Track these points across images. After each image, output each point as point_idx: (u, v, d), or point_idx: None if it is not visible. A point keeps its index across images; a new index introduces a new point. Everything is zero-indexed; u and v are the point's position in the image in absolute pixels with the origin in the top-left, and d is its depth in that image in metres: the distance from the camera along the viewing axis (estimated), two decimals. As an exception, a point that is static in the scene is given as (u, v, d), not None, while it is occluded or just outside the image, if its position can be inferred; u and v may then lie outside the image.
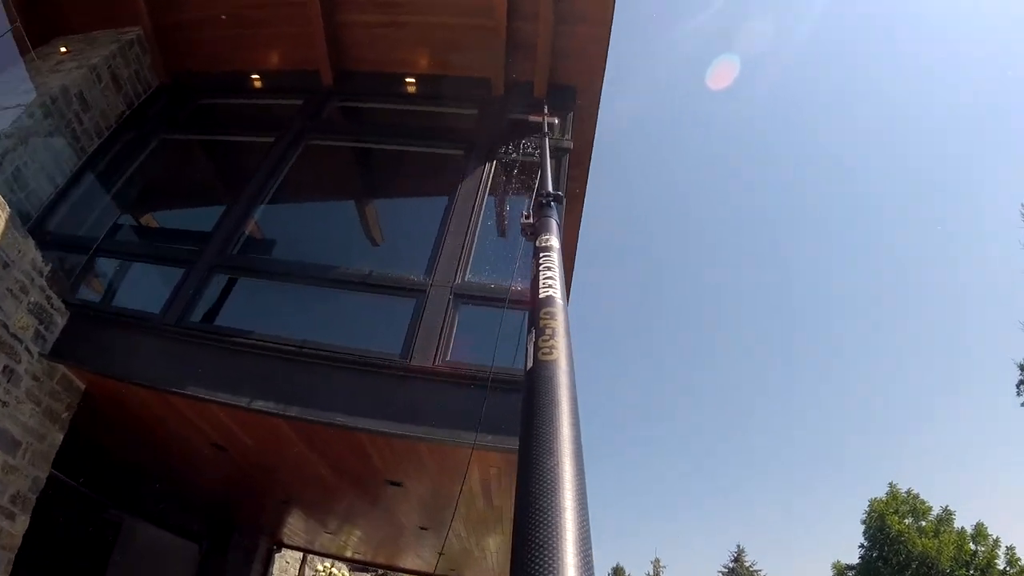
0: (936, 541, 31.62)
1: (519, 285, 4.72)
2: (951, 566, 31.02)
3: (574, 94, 5.95)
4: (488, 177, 5.28)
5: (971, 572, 30.92)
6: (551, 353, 1.07)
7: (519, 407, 1.01)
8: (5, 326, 4.64)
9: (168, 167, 6.53)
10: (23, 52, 6.77)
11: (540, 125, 3.73)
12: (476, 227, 4.91)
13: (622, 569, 46.32)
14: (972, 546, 31.71)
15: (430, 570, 10.14)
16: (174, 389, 4.45)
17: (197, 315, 4.84)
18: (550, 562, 0.65)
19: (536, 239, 1.78)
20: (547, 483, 0.75)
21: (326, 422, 4.10)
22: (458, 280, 4.62)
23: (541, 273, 1.47)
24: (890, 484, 35.41)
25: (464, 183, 5.21)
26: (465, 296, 4.57)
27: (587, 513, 0.75)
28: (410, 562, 9.89)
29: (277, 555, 9.70)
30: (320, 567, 12.89)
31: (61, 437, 5.07)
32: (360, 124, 6.55)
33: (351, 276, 4.83)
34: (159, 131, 6.51)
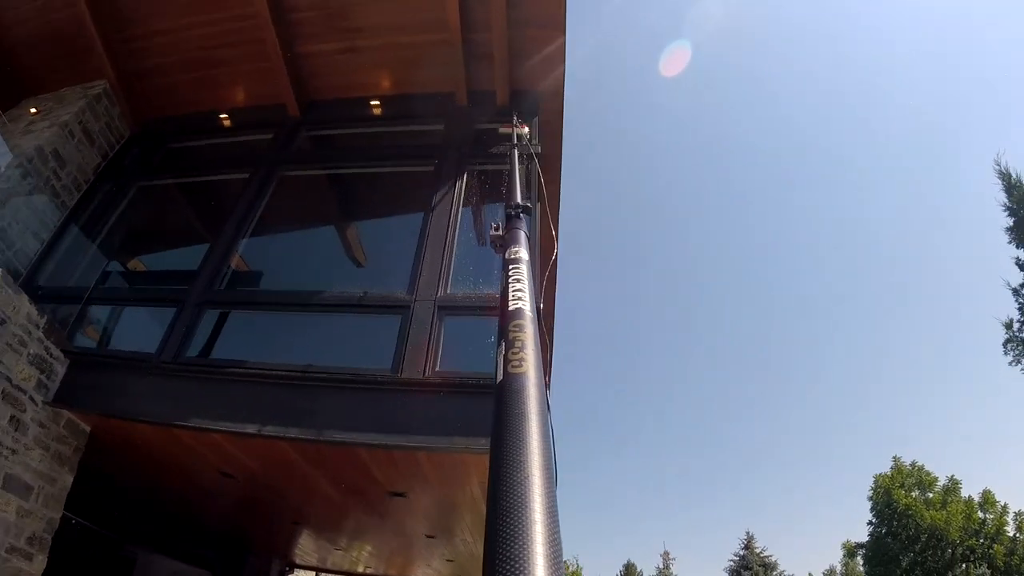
0: (944, 512, 31.19)
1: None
2: (960, 536, 30.56)
3: (536, 97, 6.12)
4: (460, 189, 5.45)
5: (981, 540, 30.39)
6: (520, 365, 1.08)
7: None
8: (8, 379, 4.84)
9: (148, 213, 6.69)
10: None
11: (510, 136, 3.82)
12: (453, 240, 5.08)
13: (634, 566, 46.08)
14: (980, 514, 31.19)
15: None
16: (178, 423, 4.61)
17: (192, 351, 5.00)
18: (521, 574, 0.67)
19: (505, 251, 1.78)
20: (517, 496, 0.76)
21: (325, 440, 4.26)
22: (440, 293, 4.79)
23: (510, 285, 1.47)
24: (894, 458, 35.04)
25: (437, 197, 5.38)
26: (448, 308, 4.74)
27: (558, 525, 0.75)
28: (422, 572, 10.02)
29: None
30: None
31: (71, 479, 5.28)
32: (331, 151, 6.70)
33: (337, 299, 5.00)
34: (136, 179, 6.67)
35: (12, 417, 4.77)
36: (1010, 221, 16.02)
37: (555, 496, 0.80)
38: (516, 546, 0.69)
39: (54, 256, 6.18)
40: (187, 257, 6.55)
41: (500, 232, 2.07)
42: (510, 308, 1.33)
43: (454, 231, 5.15)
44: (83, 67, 6.87)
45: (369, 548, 8.57)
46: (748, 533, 40.02)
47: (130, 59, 6.71)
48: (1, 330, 4.88)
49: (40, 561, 4.91)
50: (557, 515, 0.77)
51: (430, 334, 4.58)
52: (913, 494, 33.10)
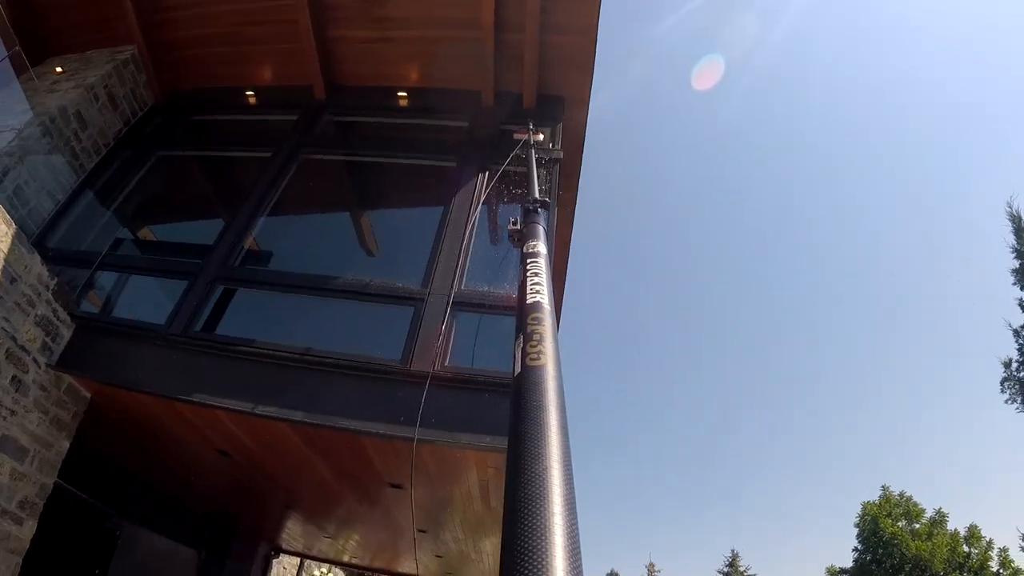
0: (930, 544, 31.41)
1: (514, 292, 4.93)
2: (945, 568, 30.84)
3: (562, 104, 6.15)
4: (481, 187, 5.47)
5: (965, 574, 30.71)
6: (539, 358, 1.09)
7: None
8: (13, 338, 4.80)
9: (166, 183, 6.67)
10: (19, 73, 6.91)
11: (526, 140, 3.87)
12: (471, 237, 5.10)
13: (616, 574, 46.36)
14: (965, 548, 31.44)
15: (428, 574, 10.29)
16: (181, 396, 4.60)
17: (202, 325, 4.99)
18: (539, 568, 0.66)
19: (524, 245, 1.82)
20: (536, 488, 0.76)
21: (331, 426, 4.26)
22: (455, 288, 4.80)
23: (528, 279, 1.51)
24: (883, 487, 35.34)
25: (458, 194, 5.39)
26: (462, 303, 4.75)
27: (576, 518, 0.76)
28: (407, 566, 10.01)
29: (275, 560, 9.79)
30: (317, 572, 12.93)
31: (67, 445, 5.25)
32: (354, 138, 6.70)
33: (351, 286, 4.99)
34: (156, 148, 6.66)
35: (14, 377, 4.73)
36: (1016, 263, 16.56)
37: (573, 488, 0.80)
38: (535, 537, 0.69)
39: (67, 218, 6.17)
40: (201, 230, 6.55)
41: (519, 227, 2.08)
42: (528, 301, 1.34)
43: (472, 228, 5.16)
44: (112, 31, 6.86)
45: (357, 537, 8.56)
46: (733, 551, 40.52)
47: (161, 28, 6.70)
48: (11, 288, 4.85)
49: (30, 526, 4.87)
50: (575, 507, 0.77)
51: (442, 328, 4.59)
52: (900, 524, 33.39)
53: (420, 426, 4.21)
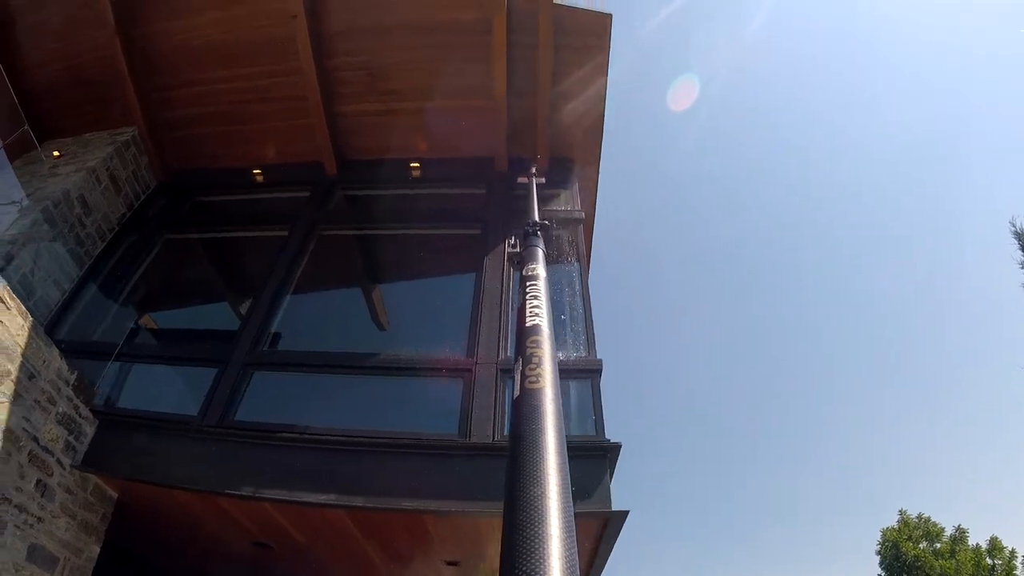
0: (953, 561, 31.58)
1: (571, 354, 4.99)
2: None
3: (573, 165, 6.35)
4: (507, 251, 5.55)
5: None
6: (538, 381, 1.09)
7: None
8: (35, 439, 4.53)
9: (174, 267, 6.52)
10: (12, 157, 6.73)
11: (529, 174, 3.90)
12: (508, 303, 5.14)
13: None
14: (989, 560, 31.76)
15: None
16: (226, 491, 4.40)
17: (238, 414, 4.83)
18: None
19: (523, 268, 1.80)
20: (533, 512, 0.76)
21: (392, 508, 4.14)
22: (501, 356, 4.81)
23: (528, 302, 1.48)
24: (900, 511, 35.26)
25: (487, 260, 5.46)
26: (511, 370, 4.74)
27: (574, 540, 0.75)
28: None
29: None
30: None
31: (98, 549, 4.93)
32: (369, 211, 6.72)
33: (392, 362, 4.94)
34: (162, 231, 6.53)
35: (39, 481, 4.44)
36: None
37: (572, 511, 0.80)
38: (533, 561, 0.68)
39: (75, 308, 5.94)
40: (216, 314, 6.41)
41: (517, 249, 2.10)
42: (527, 324, 1.35)
43: (508, 295, 5.21)
44: (110, 113, 6.78)
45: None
46: None
47: (160, 108, 6.67)
48: (30, 385, 4.59)
49: None
50: (574, 530, 0.76)
51: (495, 397, 4.57)
52: (921, 545, 33.44)
53: (487, 500, 4.17)
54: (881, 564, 34.00)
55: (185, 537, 5.40)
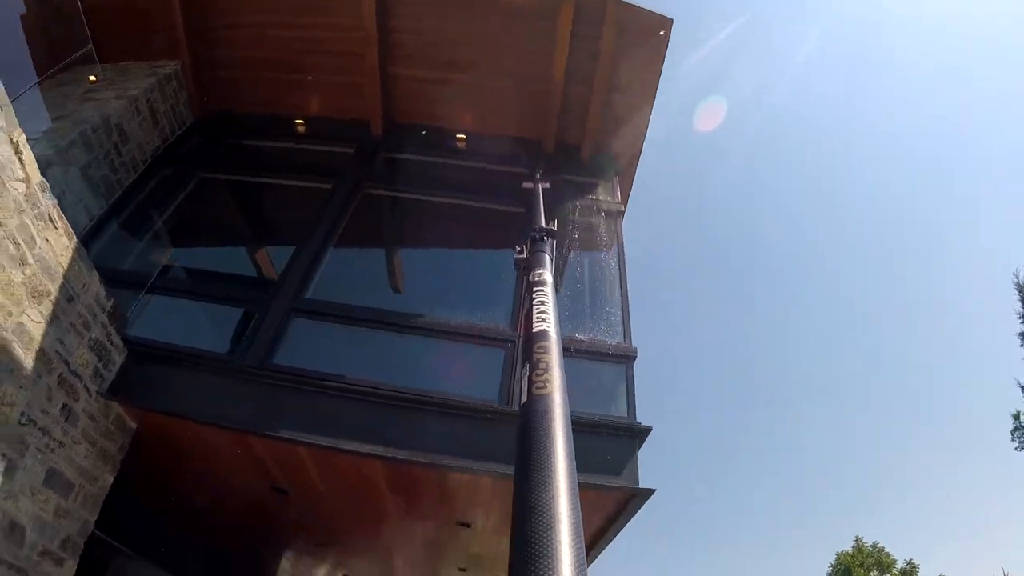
0: None
1: (605, 338, 5.17)
2: None
3: (615, 160, 6.52)
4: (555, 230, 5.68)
5: None
6: (545, 387, 1.08)
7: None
8: (66, 363, 4.45)
9: (207, 206, 6.44)
10: (41, 76, 6.51)
11: (535, 179, 3.85)
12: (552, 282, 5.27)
13: None
14: None
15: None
16: (265, 432, 4.44)
17: (278, 357, 4.85)
18: None
19: (529, 274, 1.81)
20: (543, 519, 0.75)
21: (436, 464, 4.25)
22: (542, 331, 4.95)
23: (534, 307, 1.49)
24: (856, 538, 36.47)
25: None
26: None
27: (583, 547, 0.75)
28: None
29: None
30: None
31: (111, 479, 4.86)
32: (412, 175, 6.73)
33: (436, 324, 5.03)
34: (197, 169, 6.44)
35: (64, 406, 4.36)
36: (1022, 327, 19.43)
37: (580, 518, 0.80)
38: (543, 566, 0.69)
39: (102, 235, 5.83)
40: (243, 257, 6.38)
41: (524, 255, 2.11)
42: (534, 330, 1.35)
43: (552, 274, 5.34)
44: (151, 45, 6.64)
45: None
46: None
47: (209, 46, 6.57)
48: (68, 308, 4.49)
49: (70, 567, 4.48)
50: (583, 537, 0.76)
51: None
52: (872, 574, 34.46)
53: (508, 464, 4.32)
54: None
55: (200, 474, 5.40)
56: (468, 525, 5.24)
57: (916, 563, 33.95)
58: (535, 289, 1.65)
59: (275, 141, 6.83)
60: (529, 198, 3.33)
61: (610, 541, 5.04)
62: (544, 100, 6.32)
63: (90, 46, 6.02)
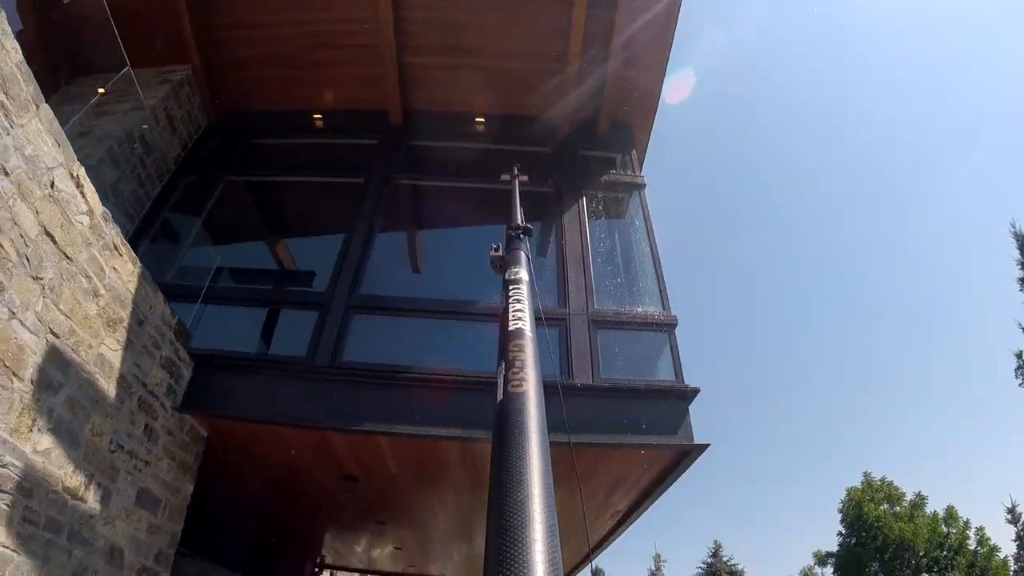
0: (911, 525, 33.23)
1: (645, 309, 5.51)
2: (926, 548, 32.75)
3: (631, 131, 6.73)
4: (584, 211, 5.95)
5: (945, 553, 32.62)
6: (520, 385, 1.08)
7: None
8: (144, 384, 4.61)
9: (237, 209, 6.51)
10: (45, 93, 6.39)
11: (513, 174, 3.74)
12: (589, 259, 5.58)
13: (601, 571, 47.74)
14: (944, 528, 33.32)
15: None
16: (348, 427, 4.72)
17: (345, 355, 5.09)
18: None
19: (505, 272, 1.77)
20: (518, 516, 0.76)
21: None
22: (590, 308, 5.28)
23: (510, 306, 1.46)
24: (865, 473, 37.36)
25: (565, 218, 5.84)
26: (600, 322, 5.25)
27: (557, 543, 0.76)
28: (436, 569, 10.32)
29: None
30: None
31: (192, 488, 5.12)
32: (436, 162, 6.87)
33: (489, 309, 5.29)
34: (222, 173, 6.47)
35: (146, 426, 4.55)
36: (1021, 273, 21.22)
37: (555, 515, 0.81)
38: (517, 564, 0.70)
39: (138, 250, 5.87)
40: (279, 259, 6.50)
41: (500, 253, 2.06)
42: (510, 328, 1.34)
43: (588, 252, 5.64)
44: (157, 50, 6.53)
45: (416, 544, 8.70)
46: (716, 542, 41.48)
47: (219, 48, 6.52)
48: (139, 331, 4.60)
49: None
50: (557, 535, 0.78)
51: (590, 344, 5.07)
52: (882, 507, 35.34)
53: (584, 432, 4.72)
54: (842, 521, 36.54)
55: (264, 470, 5.67)
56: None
57: (925, 495, 35.23)
58: (511, 287, 1.61)
59: (295, 138, 6.87)
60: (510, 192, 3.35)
61: (667, 488, 5.50)
62: (559, 79, 6.46)
63: (128, 67, 5.89)
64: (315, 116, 6.77)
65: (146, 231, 6.01)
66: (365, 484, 5.80)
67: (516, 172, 3.64)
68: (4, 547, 3.14)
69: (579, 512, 6.54)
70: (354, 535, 8.47)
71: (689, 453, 4.89)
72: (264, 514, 6.99)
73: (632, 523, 6.74)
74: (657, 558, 44.09)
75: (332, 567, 10.10)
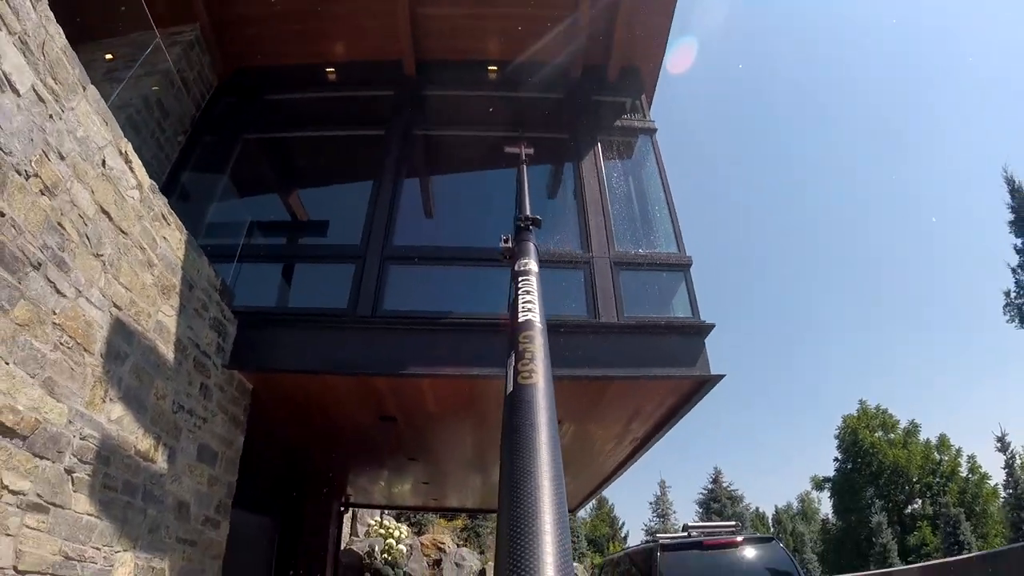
0: (905, 452, 34.91)
1: (661, 250, 5.83)
2: (919, 474, 34.50)
3: (639, 74, 6.86)
4: (599, 157, 6.17)
5: (937, 479, 34.29)
6: (531, 377, 1.09)
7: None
8: (197, 345, 4.87)
9: (261, 167, 6.62)
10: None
11: (517, 156, 3.48)
12: (608, 204, 5.84)
13: (605, 500, 50.17)
14: (937, 456, 35.07)
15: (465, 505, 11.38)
16: (393, 372, 5.06)
17: (385, 304, 5.38)
18: None
19: (515, 263, 1.77)
20: (528, 507, 0.77)
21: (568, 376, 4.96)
22: (612, 251, 5.60)
23: (520, 297, 1.46)
24: (860, 401, 38.97)
25: (584, 165, 6.06)
26: (622, 263, 5.57)
27: (568, 536, 0.76)
28: (456, 501, 10.99)
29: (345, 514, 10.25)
30: (371, 521, 13.37)
31: (243, 439, 5.47)
32: (452, 112, 6.94)
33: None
34: (239, 132, 6.54)
35: (202, 385, 4.83)
36: (1012, 216, 22.06)
37: (565, 506, 0.81)
38: (527, 557, 0.70)
39: (167, 212, 6.03)
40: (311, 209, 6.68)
41: (509, 244, 2.06)
42: (520, 320, 1.34)
43: (606, 196, 5.90)
44: (167, 11, 6.42)
45: (429, 481, 9.28)
46: (716, 469, 43.12)
47: (226, 5, 6.46)
48: (190, 295, 4.80)
49: (224, 528, 5.16)
50: (568, 525, 0.78)
51: (613, 285, 5.41)
52: (877, 434, 36.93)
53: (610, 366, 5.12)
54: (839, 447, 38.08)
55: (308, 419, 6.04)
56: (561, 422, 6.11)
57: (918, 422, 36.85)
58: (520, 279, 1.61)
59: (307, 91, 6.88)
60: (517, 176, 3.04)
61: (683, 416, 5.98)
62: (572, 25, 6.52)
63: (157, 40, 5.84)
64: (328, 70, 6.79)
65: (168, 195, 6.10)
66: (402, 423, 6.20)
67: (523, 149, 3.22)
68: (89, 515, 3.41)
69: (600, 442, 7.13)
70: (379, 473, 9.00)
71: (706, 383, 5.32)
72: (297, 459, 7.42)
73: (646, 450, 7.27)
74: (662, 484, 46.45)
75: (357, 505, 10.71)
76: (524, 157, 3.26)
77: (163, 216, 4.62)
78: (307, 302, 5.79)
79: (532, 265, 1.71)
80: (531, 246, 1.88)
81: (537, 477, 0.83)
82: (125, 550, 3.80)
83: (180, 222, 4.87)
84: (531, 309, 1.39)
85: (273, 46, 6.76)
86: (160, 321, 4.38)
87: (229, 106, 6.74)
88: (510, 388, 1.11)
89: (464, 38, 6.75)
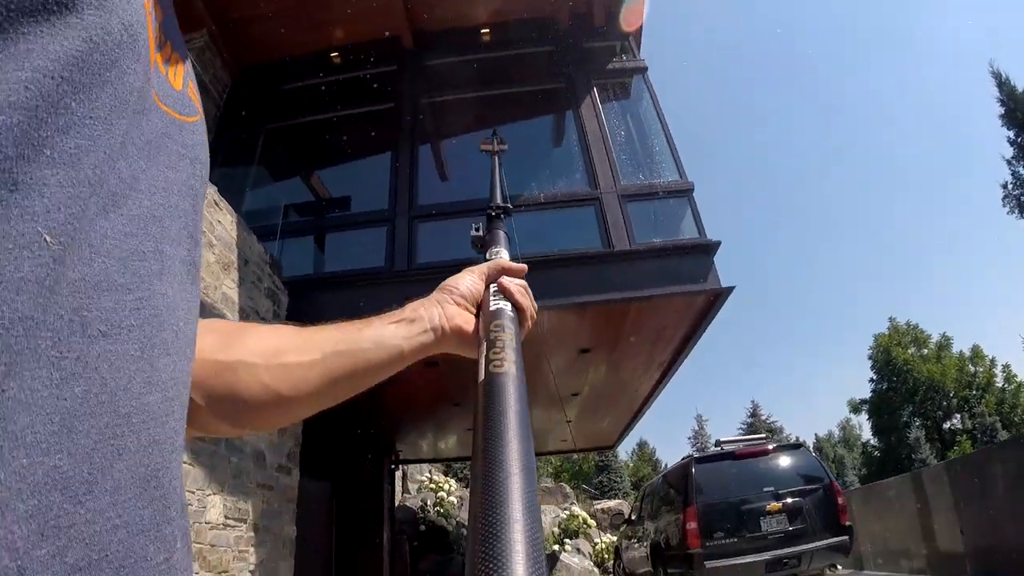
0: (939, 366, 34.14)
1: (664, 179, 6.25)
2: (955, 388, 33.80)
3: (624, 19, 7.19)
4: (595, 98, 6.58)
5: (974, 392, 33.69)
6: (501, 365, 0.88)
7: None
8: (256, 312, 5.51)
9: (286, 152, 7.14)
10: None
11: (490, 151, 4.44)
12: (609, 141, 6.27)
13: (646, 443, 50.78)
14: (971, 368, 34.39)
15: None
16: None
17: (419, 258, 5.92)
18: (500, 570, 0.57)
19: (486, 252, 1.40)
20: (498, 495, 0.64)
21: (567, 303, 5.47)
22: (618, 185, 6.05)
23: (490, 287, 1.13)
24: (890, 318, 38.08)
25: (583, 109, 6.48)
26: (629, 195, 6.02)
27: (539, 524, 0.67)
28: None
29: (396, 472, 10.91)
30: (421, 477, 14.12)
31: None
32: (454, 77, 7.29)
33: (534, 199, 6.05)
34: (260, 124, 7.05)
35: None
36: (1001, 110, 22.17)
37: (536, 495, 0.68)
38: (497, 545, 0.58)
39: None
40: (335, 185, 7.22)
41: (481, 233, 2.69)
42: (491, 308, 1.11)
43: (607, 135, 6.33)
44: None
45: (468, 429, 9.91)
46: (753, 402, 44.18)
47: (229, 9, 6.88)
48: (247, 270, 5.43)
49: (295, 475, 5.76)
50: (539, 513, 0.69)
51: (623, 216, 5.87)
52: (910, 351, 36.08)
53: (629, 289, 5.61)
54: (872, 367, 37.51)
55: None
56: (588, 350, 6.63)
57: (950, 336, 36.08)
58: None
59: (317, 78, 7.30)
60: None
61: (705, 330, 6.46)
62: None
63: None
64: (332, 55, 7.22)
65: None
66: (443, 367, 6.76)
67: (495, 143, 3.77)
68: (184, 463, 4.10)
69: (629, 371, 7.65)
70: (426, 426, 9.62)
71: (719, 296, 5.78)
72: (349, 421, 8.04)
73: (674, 373, 7.75)
74: (699, 418, 46.76)
75: (407, 461, 11.35)
76: (496, 150, 3.72)
77: (215, 202, 5.18)
78: (345, 267, 6.33)
79: (504, 254, 1.95)
80: (502, 234, 2.09)
81: (507, 466, 0.68)
82: (215, 493, 4.42)
83: (230, 207, 5.45)
84: (502, 298, 1.73)
85: (278, 40, 7.16)
86: (225, 293, 5.00)
87: (247, 102, 7.21)
88: (481, 377, 1.42)
89: (455, 6, 7.11)
